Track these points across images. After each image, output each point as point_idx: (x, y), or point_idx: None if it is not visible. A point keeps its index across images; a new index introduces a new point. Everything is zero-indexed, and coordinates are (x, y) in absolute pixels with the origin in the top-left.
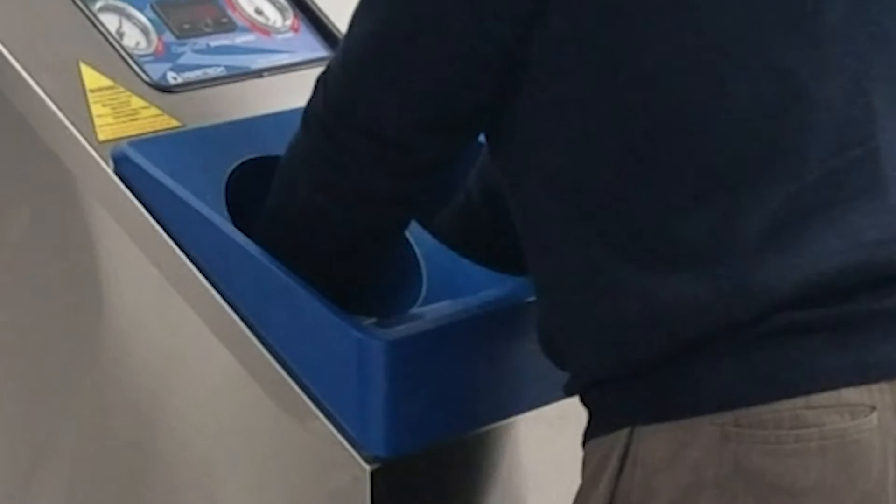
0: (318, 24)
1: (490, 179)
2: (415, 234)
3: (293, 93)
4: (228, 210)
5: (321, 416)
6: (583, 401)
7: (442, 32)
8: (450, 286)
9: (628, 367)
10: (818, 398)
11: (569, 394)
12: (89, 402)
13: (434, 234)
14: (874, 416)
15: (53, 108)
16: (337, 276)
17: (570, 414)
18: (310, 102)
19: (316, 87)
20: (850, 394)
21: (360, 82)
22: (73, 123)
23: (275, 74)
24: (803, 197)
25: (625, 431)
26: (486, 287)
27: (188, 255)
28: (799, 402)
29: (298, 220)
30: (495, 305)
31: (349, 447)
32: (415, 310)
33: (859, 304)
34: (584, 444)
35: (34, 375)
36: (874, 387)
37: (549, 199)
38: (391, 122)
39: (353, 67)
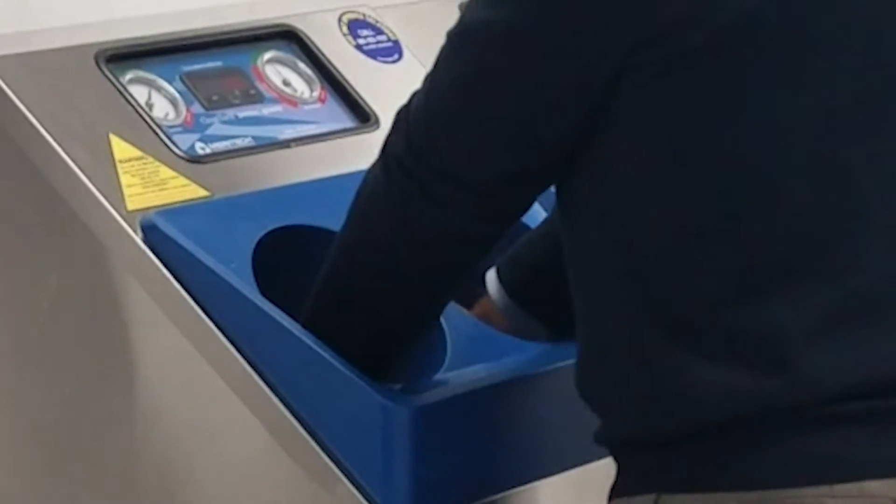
0: (344, 96)
1: None
2: None
3: (320, 163)
4: (255, 278)
5: (346, 481)
6: (611, 453)
7: (520, 91)
8: (473, 353)
9: (661, 436)
10: (842, 488)
11: (598, 442)
12: (118, 472)
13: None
14: None
15: (83, 178)
16: (394, 327)
17: (592, 478)
18: (389, 140)
19: (396, 124)
20: (873, 486)
21: (443, 128)
22: (102, 193)
23: (302, 145)
24: (857, 296)
25: (651, 496)
26: (509, 353)
27: (216, 324)
28: (823, 489)
29: (372, 258)
30: (519, 372)
31: None
32: (439, 376)
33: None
34: (609, 498)
35: (63, 445)
36: None
37: (602, 260)
38: (473, 169)
39: (435, 112)
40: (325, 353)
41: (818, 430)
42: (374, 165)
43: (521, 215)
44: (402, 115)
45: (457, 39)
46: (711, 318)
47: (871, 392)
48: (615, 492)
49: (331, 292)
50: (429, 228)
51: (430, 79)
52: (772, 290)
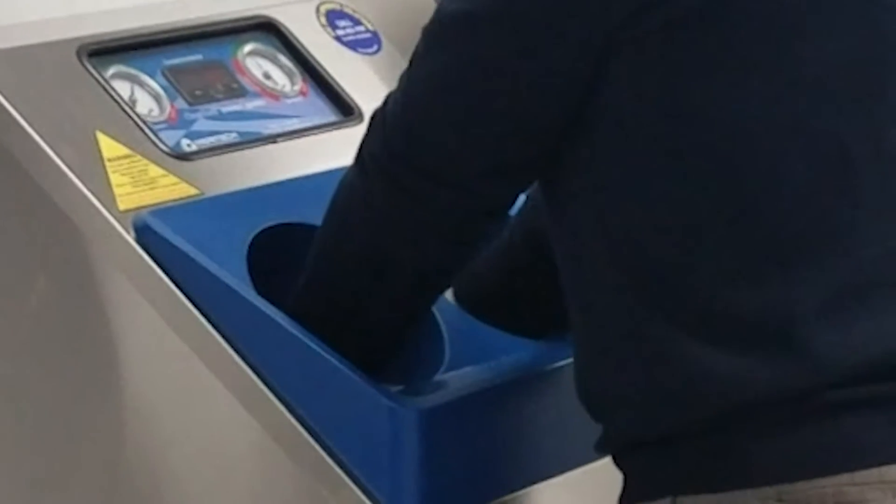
0: (326, 89)
1: (534, 222)
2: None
3: (306, 158)
4: (251, 277)
5: (352, 484)
6: (616, 461)
7: (503, 82)
8: (472, 351)
9: (670, 433)
10: (862, 475)
11: (601, 453)
12: (110, 475)
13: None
14: None
15: (73, 178)
16: (383, 328)
17: (592, 479)
18: (365, 142)
19: (372, 127)
20: (892, 471)
21: (424, 125)
22: (93, 193)
23: (287, 140)
24: (861, 274)
25: (666, 500)
26: (508, 351)
27: (213, 325)
28: (843, 478)
29: (356, 261)
30: (523, 371)
31: None
32: (441, 376)
33: None
34: None
35: (54, 448)
36: None
37: (599, 254)
38: (453, 166)
39: (415, 109)
40: (328, 355)
41: (834, 416)
42: (349, 171)
43: (507, 212)
44: (378, 118)
45: (433, 34)
46: (716, 301)
47: (886, 373)
48: (626, 499)
49: (313, 299)
50: (413, 230)
51: (407, 77)
52: (775, 269)
